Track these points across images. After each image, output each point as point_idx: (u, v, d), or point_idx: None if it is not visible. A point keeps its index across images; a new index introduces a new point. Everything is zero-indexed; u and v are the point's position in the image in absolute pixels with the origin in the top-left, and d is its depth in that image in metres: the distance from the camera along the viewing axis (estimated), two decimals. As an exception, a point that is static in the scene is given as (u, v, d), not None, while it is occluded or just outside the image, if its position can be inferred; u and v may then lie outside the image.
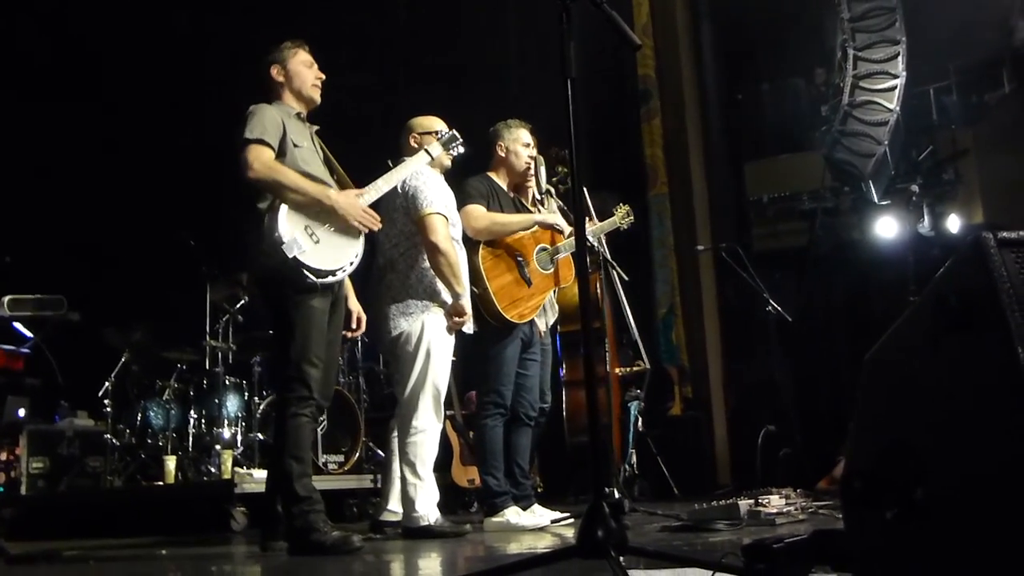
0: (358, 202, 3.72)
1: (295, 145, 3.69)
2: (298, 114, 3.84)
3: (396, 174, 3.96)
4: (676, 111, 8.37)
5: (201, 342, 5.96)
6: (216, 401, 5.78)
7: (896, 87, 6.86)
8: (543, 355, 4.84)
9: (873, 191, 7.23)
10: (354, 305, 4.07)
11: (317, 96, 3.91)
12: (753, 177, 8.31)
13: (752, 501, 3.84)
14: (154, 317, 6.19)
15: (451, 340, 4.18)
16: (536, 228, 4.71)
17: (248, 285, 6.17)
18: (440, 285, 4.12)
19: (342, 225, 3.64)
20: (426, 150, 4.09)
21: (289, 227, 3.47)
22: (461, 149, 4.22)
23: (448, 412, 5.24)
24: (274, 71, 3.87)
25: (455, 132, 4.22)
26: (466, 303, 4.14)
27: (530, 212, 4.80)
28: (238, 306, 6.16)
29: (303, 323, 3.53)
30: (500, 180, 4.76)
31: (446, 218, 4.13)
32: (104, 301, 6.28)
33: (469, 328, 4.29)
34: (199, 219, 6.43)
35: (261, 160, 3.56)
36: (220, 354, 6.02)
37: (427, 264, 4.12)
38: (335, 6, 7.49)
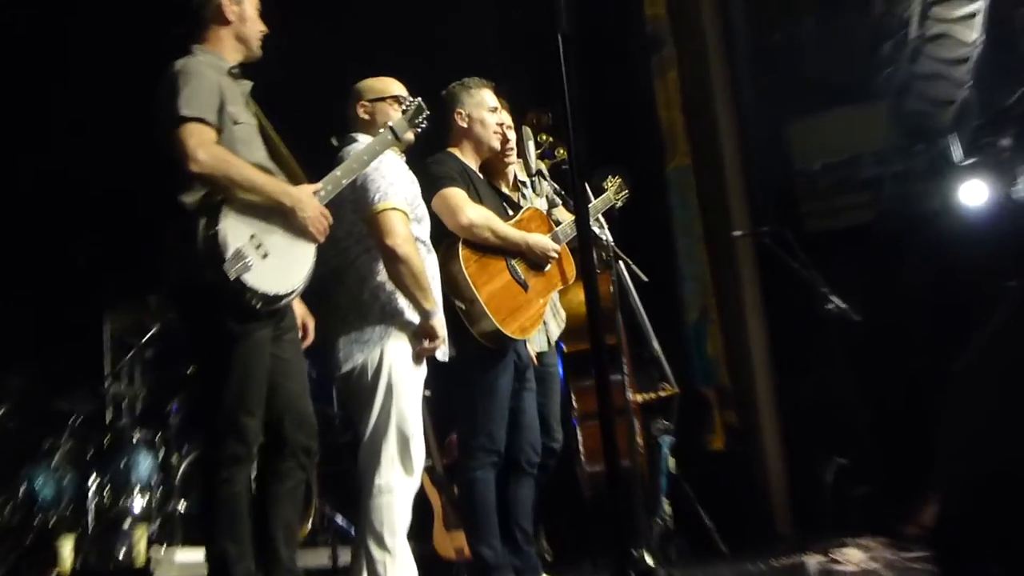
0: (317, 203, 3.72)
1: (234, 122, 3.69)
2: (231, 70, 3.82)
3: (356, 161, 3.95)
4: (696, 60, 8.37)
5: (99, 387, 5.94)
6: (123, 463, 5.76)
7: (978, 13, 6.89)
8: (548, 380, 4.86)
9: (954, 148, 7.25)
10: (299, 307, 4.06)
11: (258, 49, 3.92)
12: (799, 140, 8.32)
13: (823, 557, 3.85)
14: (36, 357, 6.16)
15: (421, 371, 4.17)
16: (524, 219, 4.73)
17: (158, 308, 6.17)
18: (403, 301, 4.10)
19: (295, 231, 3.63)
20: (390, 127, 4.08)
21: (232, 237, 3.44)
22: (426, 124, 4.23)
23: (424, 463, 5.24)
24: (223, 8, 3.85)
25: (420, 101, 4.22)
26: (438, 322, 4.13)
27: (510, 200, 4.83)
28: (146, 338, 6.14)
29: (241, 361, 3.53)
30: (467, 159, 4.77)
31: (406, 214, 4.12)
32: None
33: (443, 354, 4.28)
34: (86, 228, 6.43)
35: (207, 148, 3.53)
36: (125, 401, 6.02)
37: (384, 275, 4.10)
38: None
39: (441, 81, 4.92)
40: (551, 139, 5.41)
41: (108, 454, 5.93)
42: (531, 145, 4.92)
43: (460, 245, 4.47)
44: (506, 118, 4.89)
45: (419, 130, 4.22)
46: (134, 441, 5.86)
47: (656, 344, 5.66)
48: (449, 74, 5.00)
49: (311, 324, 4.10)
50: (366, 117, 4.35)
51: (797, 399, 7.50)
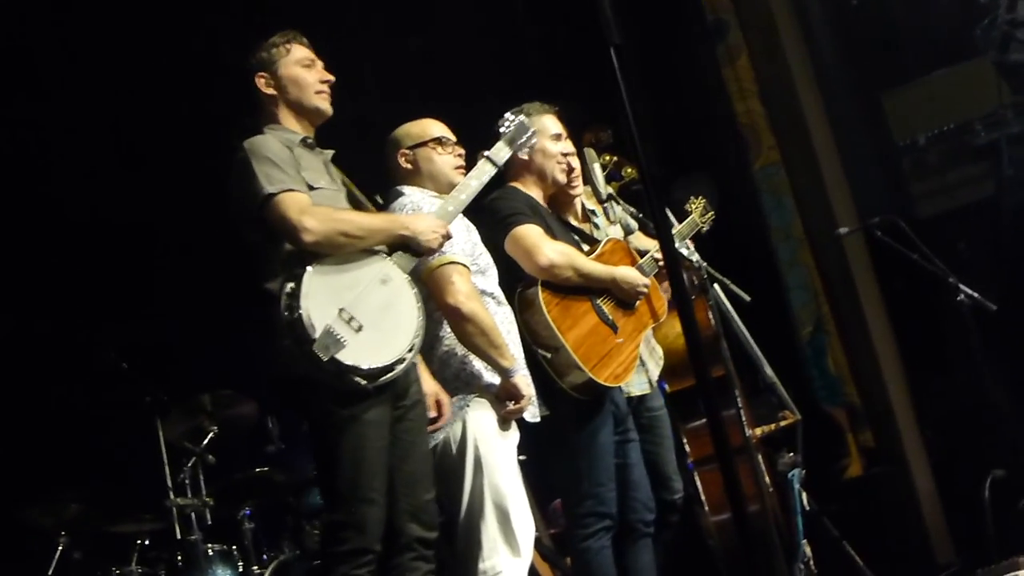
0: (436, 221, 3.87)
1: (311, 187, 3.81)
2: (304, 140, 3.96)
3: (451, 204, 4.03)
4: (767, 40, 8.38)
5: (163, 502, 6.06)
6: (203, 576, 5.88)
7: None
8: (657, 425, 4.88)
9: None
10: (429, 385, 4.12)
11: (326, 105, 4.03)
12: (897, 111, 8.30)
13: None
14: (90, 480, 6.30)
15: (512, 437, 4.23)
16: (606, 252, 4.75)
17: (214, 408, 6.30)
18: (478, 364, 4.17)
19: (389, 294, 3.71)
20: (486, 156, 4.16)
21: (318, 316, 3.53)
22: (535, 141, 4.31)
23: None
24: (261, 82, 4.00)
25: (522, 119, 4.28)
26: (522, 380, 4.19)
27: (582, 233, 4.86)
28: (205, 442, 6.27)
29: (352, 447, 3.62)
30: (532, 194, 4.80)
31: (466, 267, 4.20)
32: (12, 472, 6.38)
33: (533, 415, 4.33)
34: (126, 327, 6.56)
35: (311, 213, 3.66)
36: (193, 514, 6.13)
37: (452, 339, 4.19)
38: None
39: (490, 109, 4.91)
40: (615, 158, 5.46)
41: (183, 574, 6.02)
42: (597, 168, 4.95)
43: (539, 288, 4.50)
44: (570, 146, 4.92)
45: (526, 152, 4.32)
46: (209, 556, 5.95)
47: (768, 369, 5.66)
48: (496, 100, 5.06)
49: (445, 400, 4.12)
50: (408, 167, 4.42)
51: (938, 407, 7.46)
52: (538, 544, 5.76)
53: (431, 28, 7.52)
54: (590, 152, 4.98)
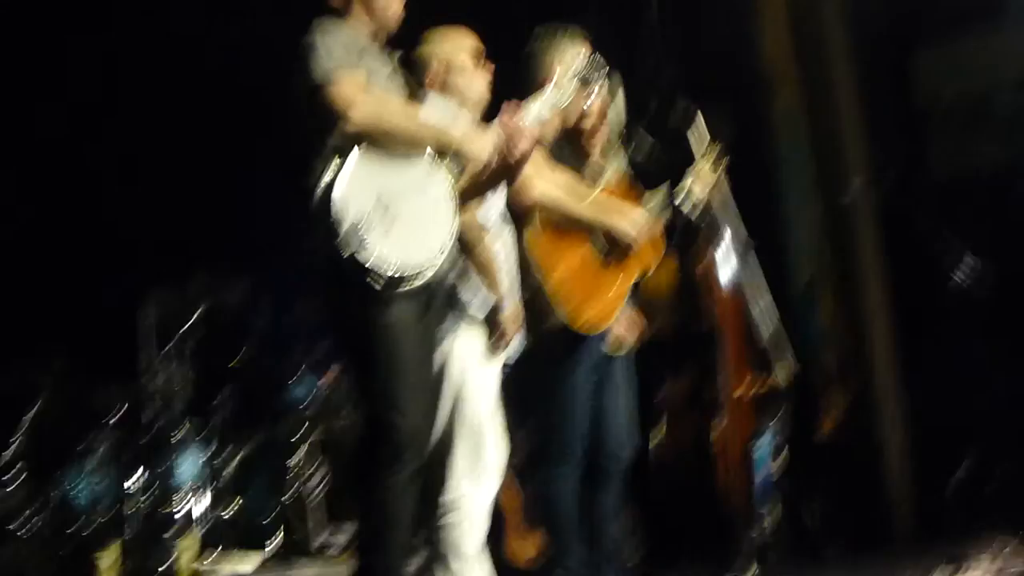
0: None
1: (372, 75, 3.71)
2: (372, 37, 3.85)
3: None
4: (807, -18, 8.21)
5: (138, 380, 6.03)
6: (166, 463, 5.86)
7: None
8: (628, 374, 4.82)
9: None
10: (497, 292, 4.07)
11: (392, 16, 3.91)
12: (927, 72, 8.17)
13: (954, 566, 3.81)
14: (68, 348, 6.27)
15: (496, 362, 4.19)
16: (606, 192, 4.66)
17: (202, 290, 6.26)
18: (467, 295, 4.12)
19: (433, 190, 3.61)
20: (558, 87, 4.03)
21: (354, 202, 3.42)
22: (603, 81, 4.19)
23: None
24: None
25: (599, 57, 4.15)
26: (511, 314, 4.14)
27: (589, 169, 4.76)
28: (188, 324, 6.21)
29: (381, 351, 3.55)
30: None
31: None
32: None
33: (516, 346, 4.29)
34: (125, 194, 6.52)
35: (362, 102, 3.54)
36: (173, 388, 6.10)
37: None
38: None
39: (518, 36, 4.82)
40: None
41: (154, 448, 6.01)
42: (620, 97, 4.83)
43: (533, 219, 4.43)
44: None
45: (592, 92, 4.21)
46: (178, 439, 5.94)
47: (764, 327, 5.61)
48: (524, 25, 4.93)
49: (518, 315, 4.14)
50: (440, 81, 4.26)
51: (923, 375, 7.41)
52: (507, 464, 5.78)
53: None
54: (614, 80, 4.80)
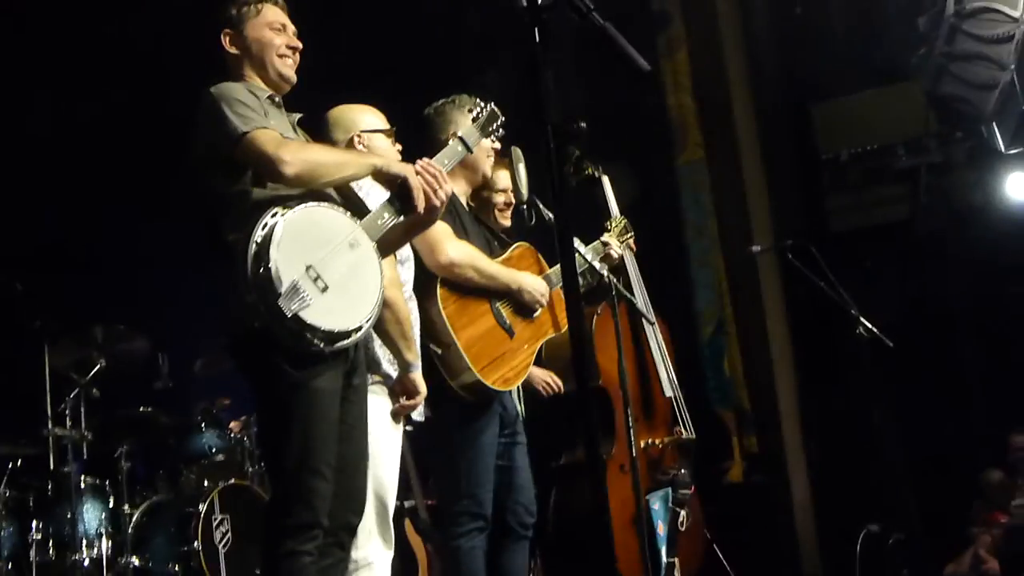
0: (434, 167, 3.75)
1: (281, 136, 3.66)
2: (271, 97, 3.80)
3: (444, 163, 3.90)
4: (709, 38, 8.36)
5: (41, 430, 5.96)
6: (69, 513, 5.79)
7: (1023, -16, 6.87)
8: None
9: (998, 136, 7.24)
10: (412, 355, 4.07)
11: (289, 72, 3.87)
12: (825, 125, 8.34)
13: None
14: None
15: (399, 432, 4.20)
16: (514, 257, 4.72)
17: (105, 341, 6.22)
18: (379, 350, 4.11)
19: (359, 249, 3.58)
20: (459, 137, 4.00)
21: (286, 269, 3.39)
22: (502, 132, 4.17)
23: (407, 503, 5.26)
24: (226, 40, 3.85)
25: (493, 105, 4.13)
26: (419, 377, 4.14)
27: (496, 235, 4.81)
28: (91, 374, 6.18)
29: (304, 413, 3.49)
30: (456, 187, 4.72)
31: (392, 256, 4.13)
32: None
33: (420, 414, 4.31)
34: (25, 251, 6.46)
35: (286, 146, 3.52)
36: (70, 445, 6.06)
37: None
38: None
39: (415, 100, 4.91)
40: (577, 152, 5.44)
41: (52, 504, 5.95)
42: (522, 168, 4.85)
43: (438, 284, 4.46)
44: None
45: (493, 140, 4.23)
46: (81, 488, 5.88)
47: (667, 383, 5.68)
48: (422, 92, 4.99)
49: (422, 385, 4.11)
50: (363, 150, 4.30)
51: (825, 426, 7.53)
52: (413, 516, 5.76)
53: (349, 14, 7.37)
54: (516, 151, 4.85)
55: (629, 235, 5.44)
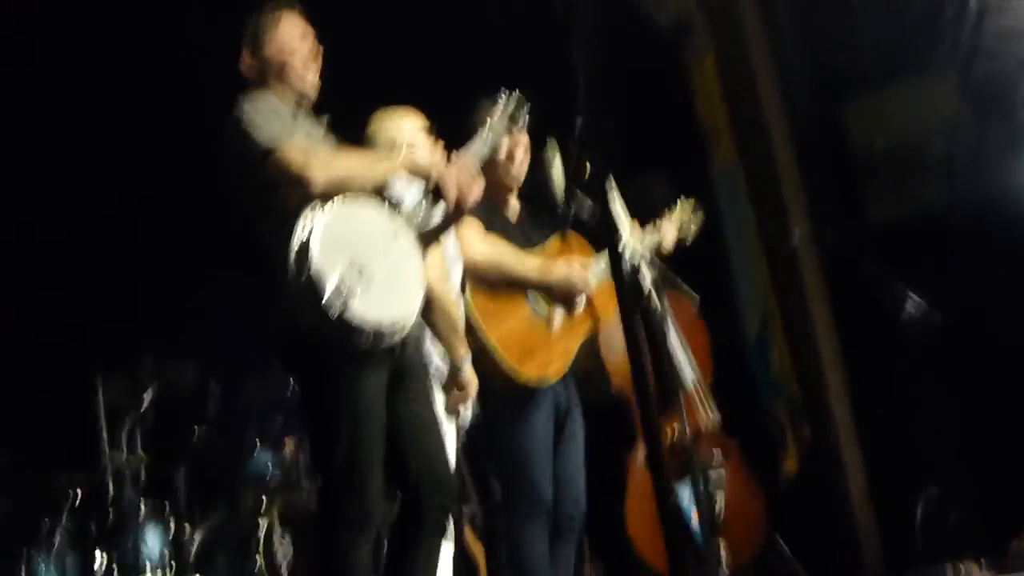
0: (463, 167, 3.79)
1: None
2: (297, 104, 3.88)
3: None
4: (734, 42, 8.37)
5: (98, 460, 6.02)
6: (131, 540, 5.81)
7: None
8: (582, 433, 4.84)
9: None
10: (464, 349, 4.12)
11: (313, 78, 3.94)
12: (858, 122, 8.31)
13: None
14: (25, 431, 6.24)
15: (453, 426, 4.26)
16: (550, 248, 4.72)
17: (155, 369, 6.27)
18: (432, 347, 4.14)
19: (400, 241, 3.63)
20: (491, 122, 4.06)
21: (330, 267, 3.43)
22: (528, 118, 4.22)
23: (465, 509, 5.27)
24: (248, 58, 3.92)
25: (519, 92, 4.19)
26: (471, 371, 4.17)
27: (536, 227, 4.82)
28: (145, 402, 6.22)
29: (351, 408, 3.55)
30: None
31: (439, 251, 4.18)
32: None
33: (469, 414, 4.33)
34: (75, 284, 6.52)
35: (314, 164, 3.56)
36: (128, 471, 6.09)
37: None
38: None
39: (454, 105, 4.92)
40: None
41: (114, 531, 5.97)
42: (557, 162, 4.87)
43: (467, 281, 4.52)
44: (524, 138, 4.86)
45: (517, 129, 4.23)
46: (140, 513, 5.90)
47: (690, 378, 5.64)
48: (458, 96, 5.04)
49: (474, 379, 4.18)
50: None
51: (877, 411, 7.48)
52: (472, 522, 5.77)
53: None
54: (551, 144, 4.89)
55: (695, 216, 5.40)
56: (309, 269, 3.39)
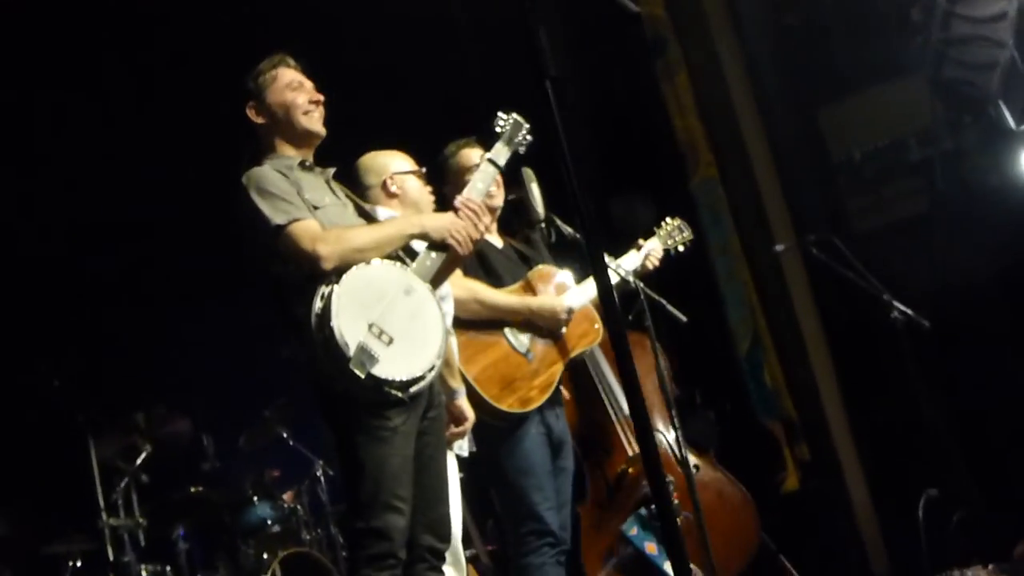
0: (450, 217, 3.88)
1: (314, 207, 3.82)
2: (302, 163, 3.96)
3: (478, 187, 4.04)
4: (706, 57, 8.39)
5: (96, 522, 5.97)
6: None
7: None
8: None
9: (1006, 114, 7.24)
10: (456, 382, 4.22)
11: (317, 126, 4.01)
12: (834, 127, 8.33)
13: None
14: (18, 498, 6.21)
15: (453, 459, 4.24)
16: (528, 282, 4.73)
17: (147, 426, 6.24)
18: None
19: (415, 294, 3.74)
20: (489, 159, 4.17)
21: (350, 333, 3.56)
22: (529, 138, 4.26)
23: (467, 552, 5.26)
24: (251, 112, 3.99)
25: (516, 117, 4.25)
26: (466, 403, 4.19)
27: (526, 253, 4.82)
28: (139, 461, 6.20)
29: (376, 454, 3.64)
30: None
31: None
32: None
33: (465, 449, 4.34)
34: (60, 343, 6.49)
35: (321, 239, 3.67)
36: (126, 535, 6.07)
37: None
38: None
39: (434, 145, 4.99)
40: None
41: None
42: (534, 188, 4.88)
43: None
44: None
45: (520, 151, 4.27)
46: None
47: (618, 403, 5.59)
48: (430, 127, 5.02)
49: (469, 414, 4.24)
50: (396, 191, 4.52)
51: (873, 421, 7.48)
52: (475, 562, 5.75)
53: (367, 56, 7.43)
54: (527, 171, 4.89)
55: (684, 234, 5.41)
56: (332, 336, 3.53)
